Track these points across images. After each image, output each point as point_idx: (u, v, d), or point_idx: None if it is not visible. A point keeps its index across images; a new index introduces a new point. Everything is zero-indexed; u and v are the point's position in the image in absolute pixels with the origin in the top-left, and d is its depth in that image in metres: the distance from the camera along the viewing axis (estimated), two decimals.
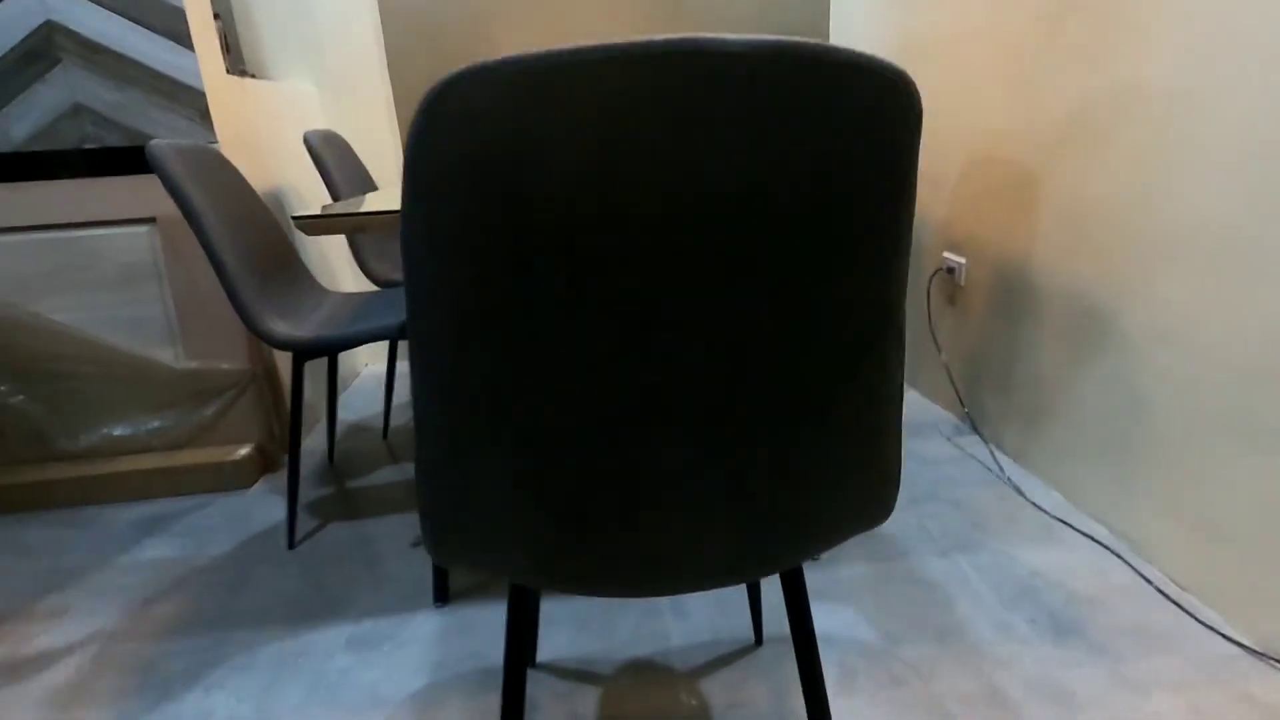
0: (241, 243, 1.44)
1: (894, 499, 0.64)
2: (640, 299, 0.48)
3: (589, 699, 1.09)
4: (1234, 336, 1.14)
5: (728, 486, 0.56)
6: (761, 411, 0.53)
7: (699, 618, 1.25)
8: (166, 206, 1.72)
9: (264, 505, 1.73)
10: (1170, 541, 1.29)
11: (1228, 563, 1.18)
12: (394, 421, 2.21)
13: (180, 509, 1.75)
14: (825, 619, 1.23)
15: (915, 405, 2.12)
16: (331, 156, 1.91)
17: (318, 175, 2.49)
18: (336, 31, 2.41)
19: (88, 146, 1.71)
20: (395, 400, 2.40)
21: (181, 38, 1.67)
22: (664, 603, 1.30)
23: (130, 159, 1.73)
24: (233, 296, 1.35)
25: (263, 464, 1.90)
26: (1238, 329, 1.13)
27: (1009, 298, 1.71)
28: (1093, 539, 1.41)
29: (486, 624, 1.27)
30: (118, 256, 1.76)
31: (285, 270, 1.61)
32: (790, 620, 0.72)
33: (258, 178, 1.94)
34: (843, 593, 1.30)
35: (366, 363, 2.77)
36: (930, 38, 2.00)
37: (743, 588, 1.36)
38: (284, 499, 1.75)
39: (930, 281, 2.09)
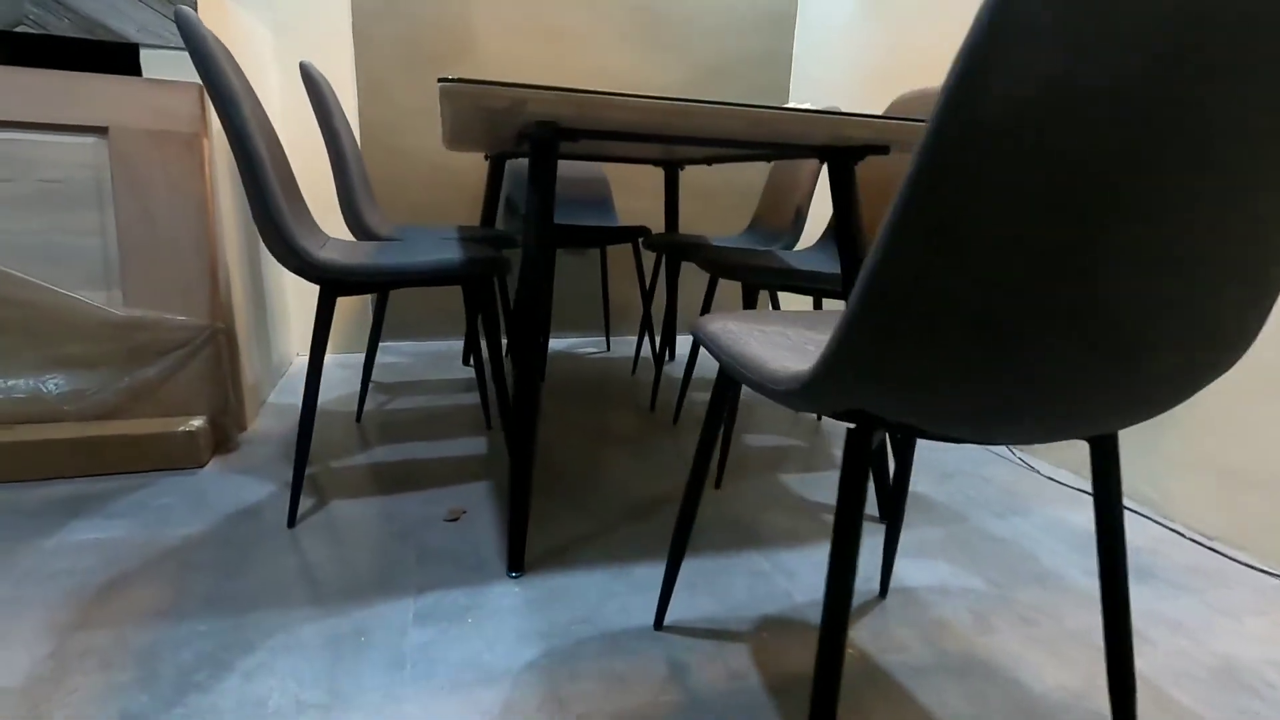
0: (270, 153, 1.20)
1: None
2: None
3: (741, 656, 0.97)
4: None
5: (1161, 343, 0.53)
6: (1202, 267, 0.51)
7: (807, 577, 1.18)
8: (125, 115, 1.42)
9: (226, 486, 1.41)
10: (1192, 498, 1.42)
11: (1252, 509, 1.32)
12: (369, 405, 1.92)
13: (111, 489, 1.38)
14: (930, 573, 1.21)
15: None
16: (329, 94, 1.69)
17: (283, 121, 2.21)
18: None
19: (23, 30, 1.38)
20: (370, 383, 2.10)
21: None
22: (764, 563, 1.21)
23: (82, 53, 1.42)
24: (269, 206, 1.12)
25: (215, 441, 1.56)
26: None
27: None
28: None
29: (580, 590, 1.10)
30: (51, 170, 1.40)
31: (293, 199, 1.37)
32: (1097, 490, 0.69)
33: None
34: (932, 551, 1.28)
35: (299, 352, 2.41)
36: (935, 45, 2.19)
37: (878, 541, 1.31)
38: (249, 480, 1.44)
39: None
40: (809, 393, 0.54)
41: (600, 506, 1.40)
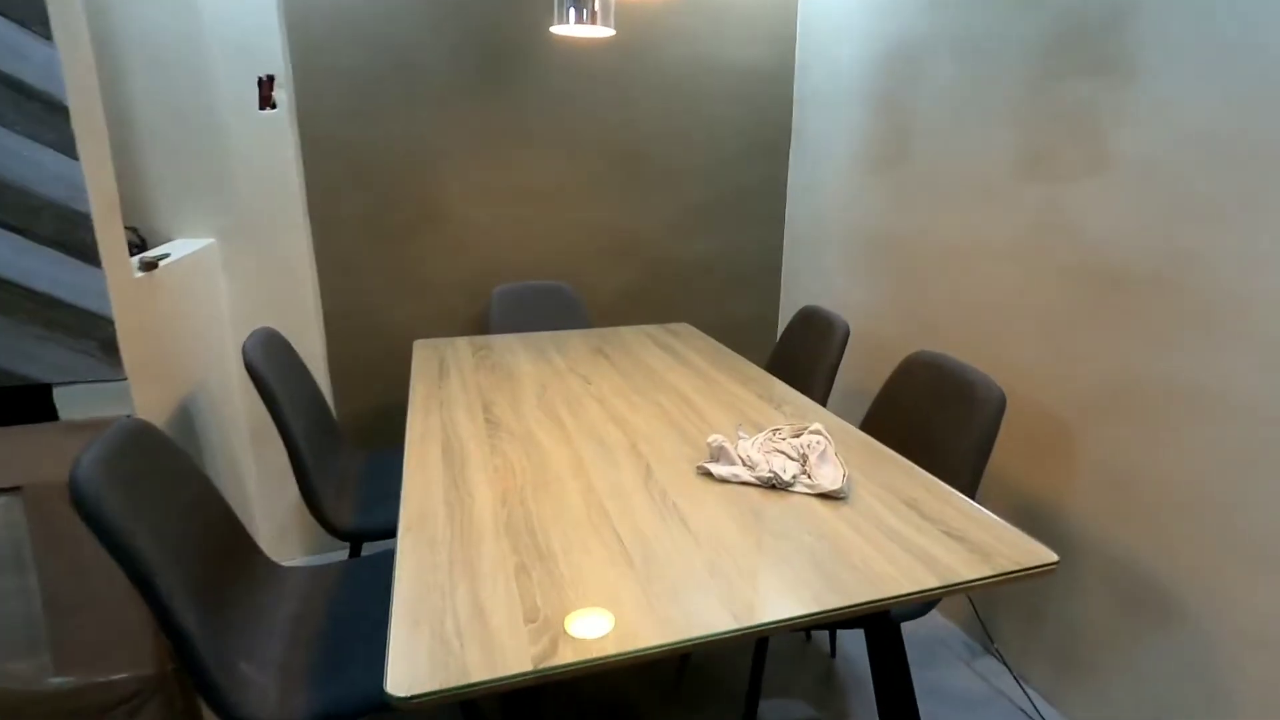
0: (189, 566, 1.03)
1: None
2: None
3: None
4: None
5: None
6: None
7: None
8: (40, 469, 1.24)
9: None
10: None
11: None
12: None
13: None
14: None
15: (929, 621, 2.06)
16: (272, 370, 1.50)
17: (226, 364, 2.05)
18: (247, 173, 1.97)
19: None
20: None
21: (79, 248, 1.22)
22: None
23: None
24: (202, 677, 0.95)
25: None
26: None
27: (1034, 534, 1.71)
28: None
29: None
30: None
31: (234, 560, 1.20)
32: None
33: (166, 404, 1.48)
34: None
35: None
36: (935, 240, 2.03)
37: None
38: None
39: None
40: None
41: None
